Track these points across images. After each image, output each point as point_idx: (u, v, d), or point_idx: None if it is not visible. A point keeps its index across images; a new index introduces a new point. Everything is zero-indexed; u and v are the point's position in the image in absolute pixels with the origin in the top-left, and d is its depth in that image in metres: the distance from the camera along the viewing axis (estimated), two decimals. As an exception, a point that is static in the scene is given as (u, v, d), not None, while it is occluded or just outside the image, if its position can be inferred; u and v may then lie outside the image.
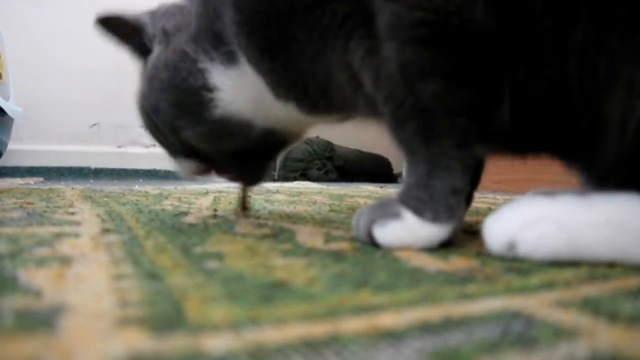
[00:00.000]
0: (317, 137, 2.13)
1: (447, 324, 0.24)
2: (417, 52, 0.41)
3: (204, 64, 0.54)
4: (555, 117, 0.42)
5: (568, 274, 0.34)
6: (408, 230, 0.42)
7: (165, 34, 0.57)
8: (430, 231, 0.42)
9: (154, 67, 0.57)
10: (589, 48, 0.38)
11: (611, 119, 0.38)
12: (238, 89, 0.54)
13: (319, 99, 0.51)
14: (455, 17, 0.39)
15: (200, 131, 0.56)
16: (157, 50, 0.58)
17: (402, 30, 0.41)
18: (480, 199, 0.99)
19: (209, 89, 0.54)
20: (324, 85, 0.50)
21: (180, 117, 0.56)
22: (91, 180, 1.78)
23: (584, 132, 0.41)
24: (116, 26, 0.59)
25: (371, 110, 0.48)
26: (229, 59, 0.53)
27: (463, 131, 0.42)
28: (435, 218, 0.41)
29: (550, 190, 0.40)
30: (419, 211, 0.42)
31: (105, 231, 0.50)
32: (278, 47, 0.49)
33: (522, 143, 0.47)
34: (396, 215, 0.42)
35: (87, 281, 0.31)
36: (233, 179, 0.66)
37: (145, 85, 0.58)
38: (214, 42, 0.53)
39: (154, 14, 0.59)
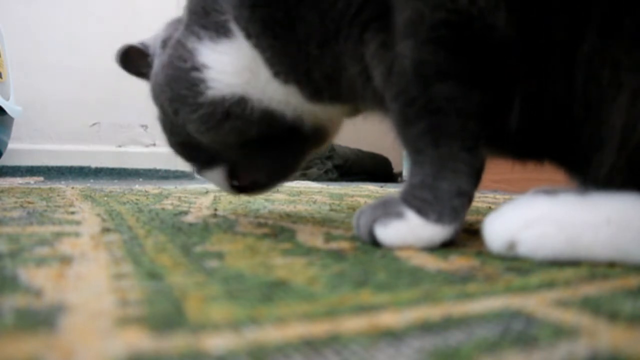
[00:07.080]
0: (317, 136, 2.12)
1: (447, 323, 0.24)
2: (435, 52, 0.41)
3: (192, 44, 0.52)
4: (559, 126, 0.42)
5: (568, 273, 0.34)
6: (411, 230, 0.42)
7: (164, 44, 0.56)
8: (433, 232, 0.41)
9: (154, 74, 0.56)
10: (594, 60, 0.38)
11: (611, 128, 0.38)
12: (229, 64, 0.51)
13: (325, 87, 0.50)
14: (478, 21, 0.39)
15: (198, 118, 0.53)
16: (156, 60, 0.57)
17: (422, 29, 0.40)
18: (480, 199, 0.99)
19: (198, 68, 0.52)
20: (332, 74, 0.48)
21: (180, 109, 0.53)
22: (91, 180, 1.79)
23: (583, 141, 0.41)
24: (134, 58, 0.59)
25: (378, 105, 0.48)
26: (219, 32, 0.51)
27: (473, 134, 0.42)
28: (439, 219, 0.41)
29: (550, 189, 0.40)
30: (422, 211, 0.41)
31: (106, 230, 0.50)
32: (282, 25, 0.47)
33: (525, 149, 0.47)
34: (399, 215, 0.42)
35: (87, 280, 0.31)
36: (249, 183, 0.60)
37: (153, 96, 0.57)
38: (204, 18, 0.52)
39: (156, 36, 0.59)
